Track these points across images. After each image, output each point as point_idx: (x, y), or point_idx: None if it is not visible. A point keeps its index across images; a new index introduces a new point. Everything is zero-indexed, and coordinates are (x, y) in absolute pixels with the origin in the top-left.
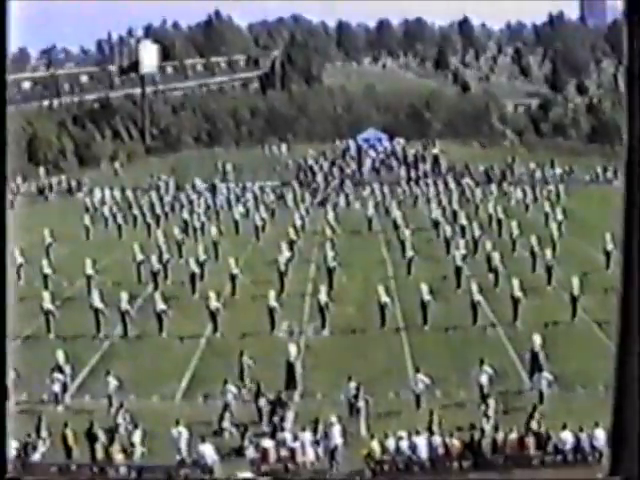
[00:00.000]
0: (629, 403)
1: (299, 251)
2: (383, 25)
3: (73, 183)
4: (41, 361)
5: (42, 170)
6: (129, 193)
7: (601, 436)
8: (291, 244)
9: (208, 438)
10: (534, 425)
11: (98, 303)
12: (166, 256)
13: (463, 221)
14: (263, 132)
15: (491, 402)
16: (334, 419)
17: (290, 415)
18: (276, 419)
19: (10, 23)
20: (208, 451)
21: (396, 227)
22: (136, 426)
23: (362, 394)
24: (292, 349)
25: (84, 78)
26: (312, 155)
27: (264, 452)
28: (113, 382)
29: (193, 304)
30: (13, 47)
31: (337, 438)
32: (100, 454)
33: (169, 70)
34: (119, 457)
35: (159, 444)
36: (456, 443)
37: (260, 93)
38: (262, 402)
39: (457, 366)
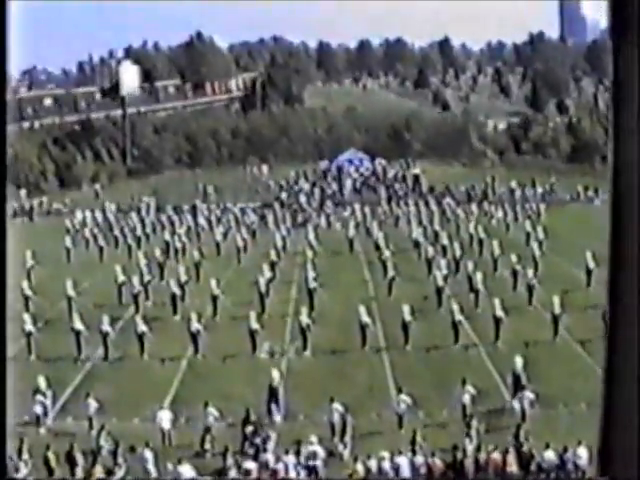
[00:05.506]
0: (618, 421)
1: (280, 272)
2: (363, 45)
3: (54, 205)
4: (22, 383)
5: (23, 192)
6: (110, 215)
7: (584, 455)
8: (272, 265)
9: (190, 460)
10: (517, 444)
11: (79, 325)
12: (147, 277)
13: (444, 241)
14: (244, 153)
15: (473, 422)
16: (316, 440)
17: (272, 436)
18: (258, 441)
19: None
20: (186, 472)
21: (377, 247)
22: (117, 448)
23: (344, 415)
24: (275, 374)
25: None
26: (293, 176)
27: (247, 474)
28: (94, 404)
29: (174, 325)
30: None
31: (320, 459)
32: (81, 476)
33: (150, 91)
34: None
35: (140, 466)
36: (438, 463)
37: (241, 114)
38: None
39: (439, 386)
